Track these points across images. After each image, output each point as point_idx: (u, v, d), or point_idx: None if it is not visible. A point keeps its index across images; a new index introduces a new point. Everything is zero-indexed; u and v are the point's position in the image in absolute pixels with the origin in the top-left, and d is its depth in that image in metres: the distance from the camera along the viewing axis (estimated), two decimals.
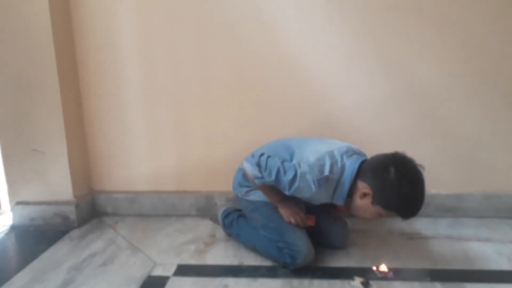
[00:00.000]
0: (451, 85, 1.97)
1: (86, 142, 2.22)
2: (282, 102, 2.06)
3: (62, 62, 2.01)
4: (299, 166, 1.52)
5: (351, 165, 1.52)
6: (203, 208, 2.21)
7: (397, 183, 1.39)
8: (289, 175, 1.51)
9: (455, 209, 2.08)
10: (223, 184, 2.12)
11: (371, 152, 2.11)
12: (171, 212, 2.22)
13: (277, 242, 1.66)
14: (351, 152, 1.58)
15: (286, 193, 1.55)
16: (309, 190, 1.49)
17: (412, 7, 1.91)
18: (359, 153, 1.61)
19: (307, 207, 1.74)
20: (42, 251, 1.85)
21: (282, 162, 1.56)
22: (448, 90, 1.98)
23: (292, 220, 1.66)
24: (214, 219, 2.14)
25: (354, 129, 2.05)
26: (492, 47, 1.92)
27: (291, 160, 1.61)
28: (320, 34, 1.98)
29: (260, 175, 1.58)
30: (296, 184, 1.50)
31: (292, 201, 1.69)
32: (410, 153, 2.06)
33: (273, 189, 1.65)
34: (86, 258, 1.78)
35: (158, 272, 1.65)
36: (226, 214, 1.94)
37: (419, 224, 2.00)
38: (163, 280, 1.59)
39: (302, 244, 1.62)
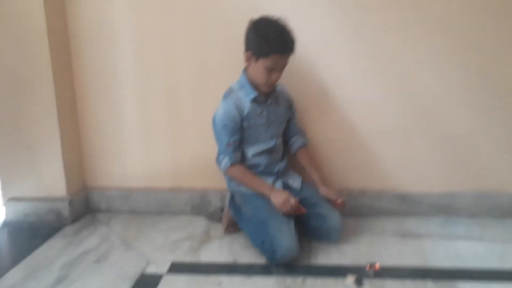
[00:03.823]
0: (444, 84, 1.98)
1: (80, 139, 2.20)
2: None
3: (56, 58, 1.99)
4: (214, 115, 1.82)
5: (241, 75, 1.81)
6: (198, 205, 2.20)
7: (255, 29, 1.67)
8: (215, 121, 1.80)
9: (447, 208, 2.09)
10: (218, 181, 2.12)
11: (363, 149, 2.14)
12: (165, 209, 2.22)
13: (261, 234, 1.67)
14: None
15: (230, 124, 1.75)
16: (228, 108, 1.74)
17: (407, 7, 1.91)
18: None
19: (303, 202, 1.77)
20: (36, 247, 1.84)
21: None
22: (441, 89, 1.99)
23: (284, 209, 1.69)
24: (208, 216, 2.14)
25: (347, 126, 2.06)
26: (486, 47, 1.93)
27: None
28: (315, 31, 1.97)
29: (218, 157, 1.83)
30: (221, 115, 1.76)
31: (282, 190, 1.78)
32: (402, 151, 2.09)
33: (256, 179, 1.79)
34: (80, 255, 1.77)
35: (152, 269, 1.66)
36: (233, 197, 1.94)
37: (412, 223, 2.02)
38: (157, 277, 1.59)
39: (284, 239, 1.61)
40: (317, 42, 1.99)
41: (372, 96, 2.02)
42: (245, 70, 1.79)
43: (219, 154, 1.83)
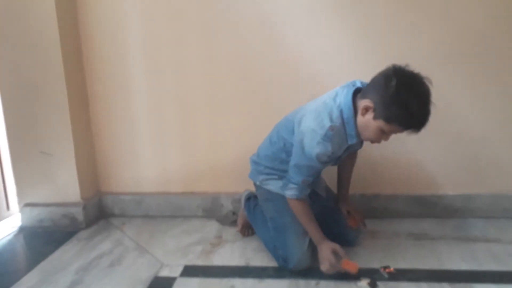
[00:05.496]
0: (458, 85, 1.96)
1: (93, 144, 2.23)
2: (288, 103, 2.04)
3: (69, 64, 2.02)
4: (302, 143, 1.51)
5: (345, 99, 1.49)
6: (210, 209, 2.21)
7: (397, 91, 1.34)
8: (308, 153, 1.50)
9: (462, 209, 2.06)
10: (229, 185, 2.13)
11: (377, 151, 2.12)
12: (177, 213, 2.23)
13: (276, 240, 1.66)
14: (340, 90, 1.54)
15: (319, 166, 1.53)
16: (326, 151, 1.47)
17: (417, 7, 1.91)
18: (349, 85, 1.55)
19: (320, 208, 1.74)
20: (50, 252, 1.87)
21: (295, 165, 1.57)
22: (455, 90, 1.97)
23: (327, 266, 1.54)
24: (220, 220, 2.14)
25: None
26: (499, 46, 1.91)
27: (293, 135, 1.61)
28: (325, 35, 1.98)
29: (287, 181, 1.61)
30: (316, 154, 1.48)
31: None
32: (417, 152, 2.06)
33: (312, 223, 1.62)
34: (94, 259, 1.79)
35: (165, 273, 1.66)
36: (248, 198, 1.93)
37: (427, 225, 1.99)
38: (170, 281, 1.60)
39: (298, 251, 1.60)
40: (327, 46, 1.99)
41: None
42: (355, 107, 1.49)
43: (290, 178, 1.60)
